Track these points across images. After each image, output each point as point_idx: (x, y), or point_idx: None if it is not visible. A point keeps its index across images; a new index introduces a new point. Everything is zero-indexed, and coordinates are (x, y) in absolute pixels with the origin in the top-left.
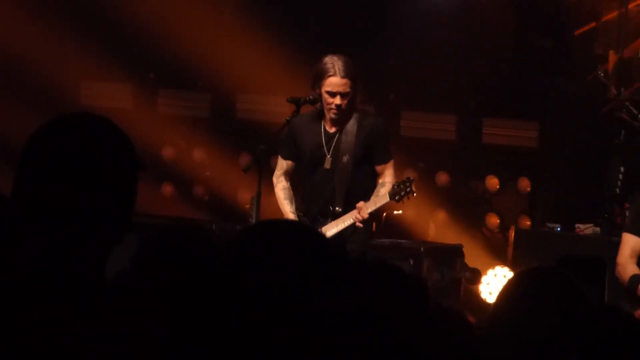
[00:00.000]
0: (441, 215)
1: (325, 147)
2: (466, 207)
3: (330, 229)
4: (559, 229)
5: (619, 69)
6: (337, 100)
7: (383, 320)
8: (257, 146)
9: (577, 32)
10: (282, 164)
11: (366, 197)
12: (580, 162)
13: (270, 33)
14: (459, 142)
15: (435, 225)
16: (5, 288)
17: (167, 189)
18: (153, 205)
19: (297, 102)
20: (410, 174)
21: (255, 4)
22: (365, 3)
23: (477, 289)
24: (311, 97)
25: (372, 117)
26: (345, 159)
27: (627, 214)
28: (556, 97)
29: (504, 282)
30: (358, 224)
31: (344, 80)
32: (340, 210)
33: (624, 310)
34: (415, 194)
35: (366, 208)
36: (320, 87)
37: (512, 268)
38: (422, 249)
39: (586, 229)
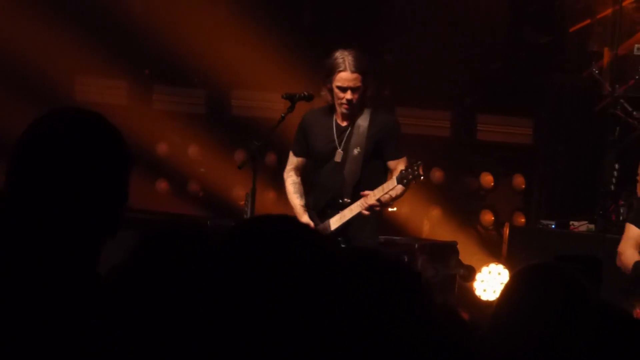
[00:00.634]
0: (435, 212)
1: (336, 141)
2: (460, 204)
3: (337, 220)
4: (553, 226)
5: (614, 66)
6: (348, 95)
7: (378, 316)
8: (252, 142)
9: (571, 29)
10: (293, 160)
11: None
12: (575, 159)
13: (265, 29)
14: (453, 139)
15: (430, 222)
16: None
17: (162, 185)
18: (148, 202)
19: (292, 99)
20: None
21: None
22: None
23: (472, 286)
24: (306, 93)
25: (384, 113)
26: (355, 151)
27: (621, 210)
28: (551, 93)
29: (499, 279)
30: (364, 211)
31: (355, 75)
32: (349, 201)
33: (619, 308)
34: (423, 178)
35: (373, 195)
36: (331, 82)
37: (506, 265)
38: (416, 246)
39: (581, 225)
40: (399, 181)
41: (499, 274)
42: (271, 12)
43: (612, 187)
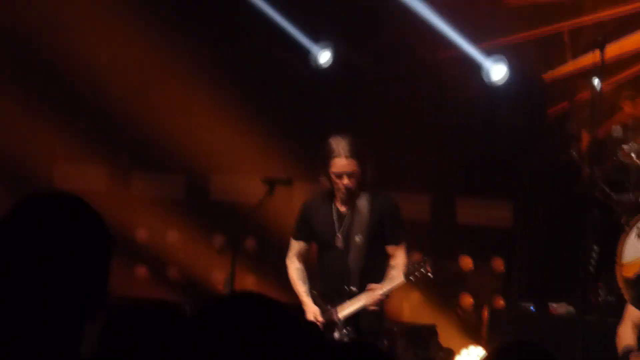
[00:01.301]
0: (415, 295)
1: (336, 226)
2: (440, 286)
3: (345, 309)
4: (532, 308)
5: (593, 148)
6: (345, 180)
7: None
8: (231, 227)
9: (550, 112)
10: (295, 246)
11: (381, 276)
12: (554, 241)
13: (243, 114)
14: (432, 222)
15: (409, 305)
16: None
17: (141, 270)
18: (127, 287)
19: (271, 183)
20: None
21: (228, 85)
22: (338, 84)
23: None
24: (285, 177)
25: (384, 197)
26: (358, 239)
27: (600, 292)
28: (530, 176)
29: None
30: (372, 307)
31: (350, 161)
32: (356, 290)
33: None
34: (431, 275)
35: (380, 289)
36: (328, 168)
37: (486, 348)
38: (395, 329)
39: (560, 307)
40: (406, 278)
41: (479, 356)
42: (249, 97)
43: (592, 269)
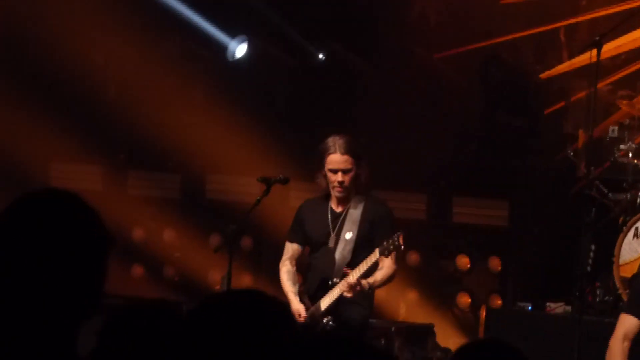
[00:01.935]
0: (412, 295)
1: (330, 226)
2: (437, 286)
3: (326, 300)
4: (530, 308)
5: (589, 148)
6: (339, 177)
7: None
8: (227, 226)
9: (546, 111)
10: (289, 249)
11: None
12: (551, 241)
13: (239, 113)
14: (429, 221)
15: (406, 305)
16: None
17: (138, 270)
18: (123, 287)
19: (267, 182)
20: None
21: (223, 84)
22: (334, 81)
23: None
24: (281, 176)
25: (378, 202)
26: (347, 236)
27: (597, 292)
28: (526, 176)
29: None
30: (346, 293)
31: (345, 157)
32: (338, 281)
33: None
34: (403, 248)
35: (352, 274)
36: (323, 166)
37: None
38: (393, 329)
39: (557, 307)
40: (381, 253)
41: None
42: (245, 96)
43: (589, 269)
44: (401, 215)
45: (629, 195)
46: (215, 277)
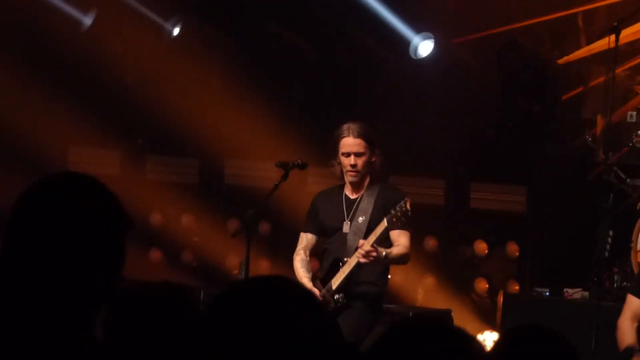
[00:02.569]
0: (430, 280)
1: (345, 212)
2: (455, 272)
3: (337, 278)
4: (547, 293)
5: (607, 133)
6: (352, 160)
7: None
8: (245, 211)
9: (564, 97)
10: (303, 239)
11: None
12: (568, 227)
13: (258, 98)
14: (447, 207)
15: (424, 290)
16: None
17: (156, 254)
18: (141, 271)
19: (285, 167)
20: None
21: (241, 70)
22: (352, 68)
23: None
24: (299, 161)
25: (393, 189)
26: (360, 220)
27: (615, 277)
28: (544, 161)
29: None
30: (362, 259)
31: (357, 140)
32: (347, 260)
33: None
34: (410, 213)
35: (367, 242)
36: (337, 152)
37: (501, 333)
38: (410, 314)
39: (575, 293)
40: (389, 221)
41: (494, 341)
42: (263, 81)
43: (607, 254)
44: (419, 200)
45: None
46: (233, 262)
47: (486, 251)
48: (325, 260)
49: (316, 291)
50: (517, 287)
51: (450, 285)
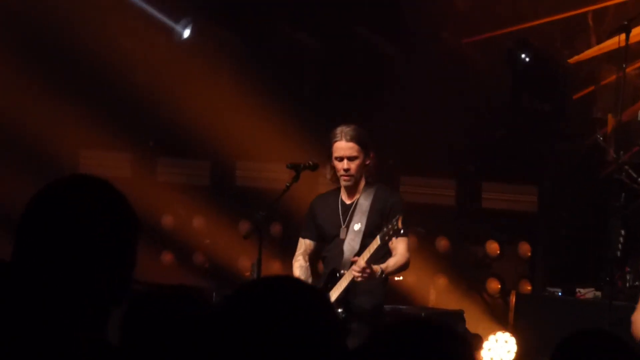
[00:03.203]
0: (442, 281)
1: (341, 218)
2: (467, 272)
3: (335, 291)
4: (560, 293)
5: (618, 132)
6: (345, 164)
7: None
8: (257, 213)
9: (575, 96)
10: (301, 244)
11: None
12: (580, 226)
13: (268, 99)
14: (458, 207)
15: (436, 291)
16: (9, 352)
17: (167, 257)
18: (153, 274)
19: (296, 168)
20: (410, 239)
21: (252, 71)
22: (362, 68)
23: (479, 355)
24: (310, 162)
25: (389, 191)
26: (356, 227)
27: (628, 277)
28: (555, 160)
29: (506, 347)
30: (356, 275)
31: (350, 144)
32: (345, 272)
33: None
34: (402, 232)
35: (361, 258)
36: (331, 156)
37: (513, 333)
38: (423, 315)
39: (587, 293)
40: (381, 239)
41: (506, 342)
42: (273, 83)
43: (618, 254)
44: (430, 201)
45: None
46: (245, 264)
47: (498, 251)
48: (324, 268)
49: None
50: (529, 287)
51: (462, 285)
